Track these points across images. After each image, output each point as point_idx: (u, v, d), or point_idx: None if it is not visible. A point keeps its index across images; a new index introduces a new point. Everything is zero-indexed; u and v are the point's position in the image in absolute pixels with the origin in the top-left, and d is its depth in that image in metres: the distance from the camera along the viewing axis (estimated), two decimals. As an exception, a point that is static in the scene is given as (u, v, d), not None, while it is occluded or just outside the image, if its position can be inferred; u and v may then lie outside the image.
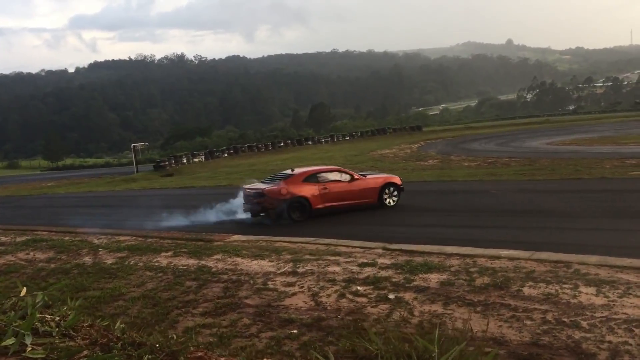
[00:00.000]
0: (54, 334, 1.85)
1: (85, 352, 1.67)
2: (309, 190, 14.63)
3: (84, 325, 1.97)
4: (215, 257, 9.97)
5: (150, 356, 1.81)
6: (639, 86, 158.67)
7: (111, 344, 1.71)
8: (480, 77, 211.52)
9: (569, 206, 12.84)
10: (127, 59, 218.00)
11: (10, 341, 1.66)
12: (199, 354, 2.16)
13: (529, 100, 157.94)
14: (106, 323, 2.05)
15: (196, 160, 54.97)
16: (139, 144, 55.25)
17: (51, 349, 1.74)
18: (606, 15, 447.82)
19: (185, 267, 9.45)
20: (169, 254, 10.66)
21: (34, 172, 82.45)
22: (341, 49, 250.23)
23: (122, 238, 12.87)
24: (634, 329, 5.23)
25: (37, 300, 2.11)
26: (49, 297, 2.24)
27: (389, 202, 15.34)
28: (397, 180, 15.81)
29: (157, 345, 1.89)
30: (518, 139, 46.52)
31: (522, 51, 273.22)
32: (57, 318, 1.97)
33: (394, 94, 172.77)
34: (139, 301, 7.80)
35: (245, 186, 15.82)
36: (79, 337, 1.80)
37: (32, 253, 12.26)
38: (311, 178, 15.05)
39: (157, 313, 7.28)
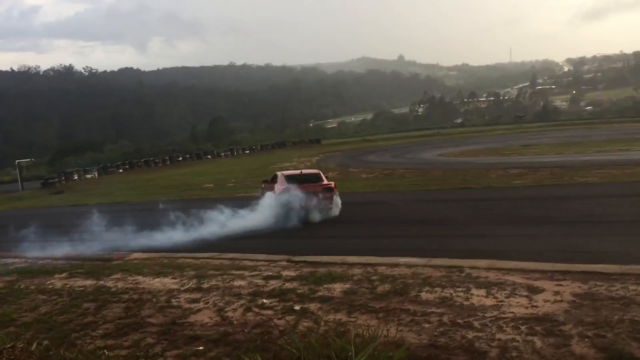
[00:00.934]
0: None
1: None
2: None
3: (6, 347, 1.92)
4: (114, 276, 9.63)
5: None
6: (519, 100, 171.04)
7: (39, 363, 1.69)
8: (375, 91, 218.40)
9: (460, 214, 13.65)
10: (9, 70, 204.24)
11: None
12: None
13: (420, 113, 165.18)
14: (22, 345, 2.00)
15: (88, 176, 52.48)
16: (23, 160, 51.82)
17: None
18: (488, 34, 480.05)
19: (82, 289, 9.07)
20: (64, 275, 10.17)
21: None
22: (239, 62, 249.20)
23: (10, 260, 12.09)
24: (520, 327, 5.69)
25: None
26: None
27: None
28: None
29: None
30: (412, 151, 48.61)
31: (413, 67, 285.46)
32: None
33: (293, 107, 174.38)
34: (33, 326, 7.39)
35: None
36: (4, 358, 1.74)
37: None
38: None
39: (53, 337, 6.92)
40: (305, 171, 17.11)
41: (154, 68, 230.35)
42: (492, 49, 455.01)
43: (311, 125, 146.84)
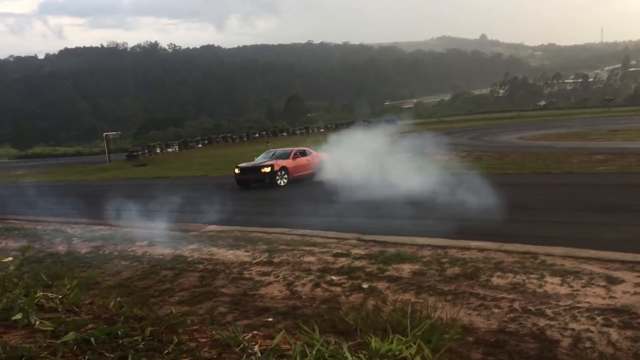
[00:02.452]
0: (59, 309, 1.95)
1: (90, 325, 1.76)
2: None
3: (85, 302, 2.08)
4: (191, 246, 10.03)
5: (151, 328, 1.92)
6: (609, 83, 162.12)
7: (114, 317, 1.82)
8: (455, 72, 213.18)
9: (537, 199, 13.19)
10: (99, 46, 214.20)
11: (18, 316, 1.75)
12: (195, 327, 2.30)
13: (501, 95, 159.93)
14: (103, 301, 2.17)
15: (170, 150, 54.52)
16: (111, 133, 54.48)
17: (58, 322, 1.83)
18: (578, 12, 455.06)
19: (161, 257, 9.50)
20: (144, 243, 10.69)
21: (1, 160, 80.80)
22: (316, 41, 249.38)
23: (96, 227, 12.83)
24: (596, 317, 5.48)
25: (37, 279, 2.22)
26: (46, 275, 2.35)
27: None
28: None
29: (157, 319, 2.00)
30: (490, 133, 47.22)
31: (495, 46, 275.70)
32: (60, 296, 2.07)
33: (369, 86, 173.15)
34: (115, 290, 7.83)
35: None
36: (83, 313, 1.90)
37: (4, 242, 12.15)
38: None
39: (133, 301, 7.34)
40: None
41: (234, 46, 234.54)
42: (581, 29, 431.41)
43: (386, 105, 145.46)
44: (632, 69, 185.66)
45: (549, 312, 5.73)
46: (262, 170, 20.47)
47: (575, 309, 5.75)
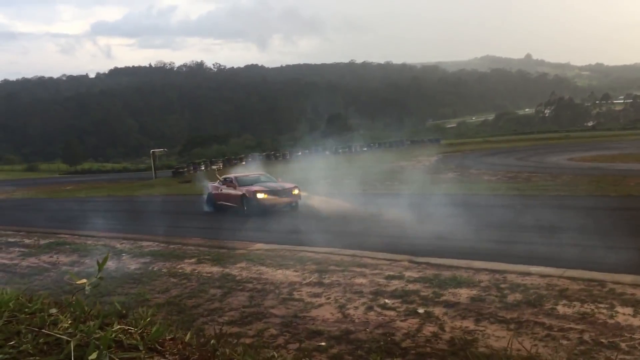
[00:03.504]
0: (140, 347, 1.79)
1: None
2: None
3: (167, 338, 1.92)
4: (239, 265, 9.93)
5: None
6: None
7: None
8: (498, 91, 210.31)
9: (596, 223, 12.60)
10: (147, 65, 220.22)
11: (94, 355, 1.59)
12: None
13: (547, 115, 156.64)
14: (189, 337, 1.99)
15: (214, 167, 55.14)
16: (157, 150, 55.44)
17: (141, 364, 1.69)
18: (626, 32, 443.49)
19: (209, 275, 9.43)
20: (193, 260, 10.65)
21: (52, 175, 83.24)
22: (359, 60, 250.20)
23: (145, 243, 12.88)
24: (677, 353, 5.09)
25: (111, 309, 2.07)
26: (120, 304, 2.20)
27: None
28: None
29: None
30: (537, 154, 46.03)
31: (541, 66, 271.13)
32: (139, 330, 1.92)
33: (411, 106, 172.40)
34: (164, 308, 7.77)
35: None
36: (167, 352, 1.74)
37: (55, 256, 12.31)
38: None
39: (183, 320, 7.24)
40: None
41: (277, 65, 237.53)
42: (630, 48, 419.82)
43: (429, 124, 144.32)
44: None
45: (623, 345, 5.36)
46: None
47: (653, 343, 5.35)
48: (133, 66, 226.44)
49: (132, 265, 10.71)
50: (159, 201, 26.24)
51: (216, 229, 14.87)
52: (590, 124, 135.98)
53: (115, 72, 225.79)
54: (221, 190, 19.67)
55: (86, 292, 2.18)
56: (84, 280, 2.22)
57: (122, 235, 14.50)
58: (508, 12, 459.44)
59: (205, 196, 20.72)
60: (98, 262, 2.27)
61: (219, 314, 7.42)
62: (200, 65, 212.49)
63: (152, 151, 53.28)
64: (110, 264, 10.96)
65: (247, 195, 18.16)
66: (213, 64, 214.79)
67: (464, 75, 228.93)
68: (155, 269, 10.21)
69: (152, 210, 20.20)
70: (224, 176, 20.85)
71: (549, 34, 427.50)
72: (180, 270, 9.89)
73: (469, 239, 11.07)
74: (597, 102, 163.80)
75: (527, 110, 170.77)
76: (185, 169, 51.12)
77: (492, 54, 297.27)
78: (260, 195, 17.95)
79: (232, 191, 19.07)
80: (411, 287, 7.79)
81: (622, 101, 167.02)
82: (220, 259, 10.53)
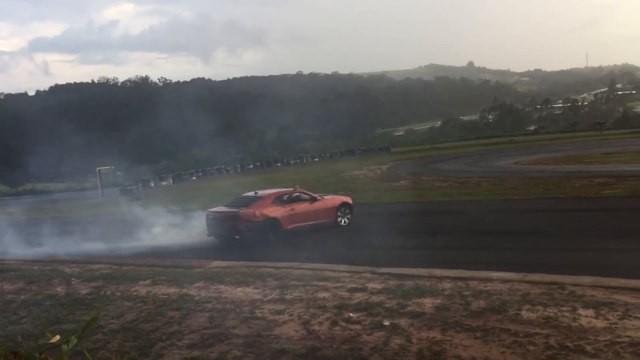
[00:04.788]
0: None
1: None
2: (278, 212, 14.98)
3: None
4: (197, 284, 9.61)
5: None
6: (596, 107, 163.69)
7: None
8: (444, 99, 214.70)
9: (549, 226, 12.88)
10: (90, 81, 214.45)
11: None
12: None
13: (491, 120, 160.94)
14: None
15: (164, 183, 54.10)
16: (104, 168, 53.96)
17: None
18: (562, 38, 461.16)
19: (166, 296, 9.09)
20: (147, 282, 10.25)
21: (-8, 197, 79.76)
22: (306, 71, 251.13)
23: (95, 266, 12.35)
24: (642, 352, 5.15)
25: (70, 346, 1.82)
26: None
27: (343, 222, 16.11)
28: (349, 200, 16.80)
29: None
30: (485, 159, 47.14)
31: (482, 73, 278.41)
32: None
33: (360, 115, 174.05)
34: (119, 334, 7.42)
35: (210, 210, 15.91)
36: None
37: (-1, 284, 11.67)
38: (278, 200, 15.52)
39: (140, 346, 6.93)
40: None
41: (224, 78, 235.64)
42: (566, 54, 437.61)
43: (378, 132, 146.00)
44: (619, 93, 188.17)
45: (588, 348, 5.40)
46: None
47: (617, 344, 5.42)
48: (75, 82, 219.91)
49: (83, 290, 10.23)
50: (107, 221, 25.41)
51: (171, 248, 14.48)
52: (532, 128, 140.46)
53: (56, 89, 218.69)
54: (291, 209, 15.36)
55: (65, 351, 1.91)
56: (57, 337, 1.94)
57: (71, 258, 13.89)
58: (449, 21, 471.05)
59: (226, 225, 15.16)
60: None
61: (178, 337, 7.13)
62: (145, 80, 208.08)
63: (98, 169, 51.82)
64: (60, 290, 10.46)
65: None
66: (158, 79, 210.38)
67: (410, 83, 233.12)
68: (107, 293, 9.78)
69: (102, 231, 19.50)
70: (282, 191, 16.46)
71: (489, 42, 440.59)
72: (134, 293, 9.49)
73: (431, 246, 11.11)
74: (537, 106, 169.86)
75: (472, 116, 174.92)
76: (134, 186, 49.91)
77: (436, 63, 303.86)
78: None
79: (317, 205, 15.87)
80: (375, 299, 7.71)
81: (560, 105, 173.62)
82: (176, 279, 10.17)
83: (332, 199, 16.58)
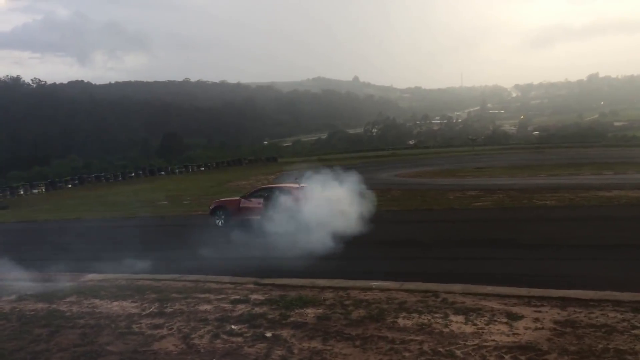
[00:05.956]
0: None
1: None
2: None
3: None
4: (68, 299, 9.04)
5: None
6: (469, 124, 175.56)
7: None
8: (330, 111, 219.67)
9: (425, 236, 13.52)
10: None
11: None
12: None
13: (374, 134, 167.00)
14: None
15: (35, 191, 50.53)
16: (-34, 174, 49.41)
17: None
18: (441, 58, 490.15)
19: (33, 312, 8.46)
20: (12, 297, 9.48)
21: None
22: (193, 79, 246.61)
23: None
24: (504, 356, 5.53)
25: None
26: None
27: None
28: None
29: None
30: (368, 171, 48.61)
31: (367, 88, 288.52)
32: None
33: (247, 125, 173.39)
34: (-22, 355, 6.79)
35: None
36: None
37: None
38: None
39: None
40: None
41: (105, 82, 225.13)
42: (444, 74, 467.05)
43: (265, 143, 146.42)
44: (489, 112, 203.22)
45: (458, 353, 5.71)
46: None
47: (483, 348, 5.78)
48: None
49: None
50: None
51: (44, 260, 13.50)
52: (412, 142, 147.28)
53: None
54: None
55: None
56: None
57: None
58: (337, 36, 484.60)
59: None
60: None
61: (45, 356, 6.64)
62: (16, 80, 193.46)
63: (-40, 175, 47.34)
64: None
65: None
66: (32, 79, 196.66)
67: (297, 95, 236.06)
68: (-36, 311, 8.91)
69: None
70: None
71: (374, 58, 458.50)
72: (-4, 310, 8.74)
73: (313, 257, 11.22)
74: (417, 122, 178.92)
75: (357, 129, 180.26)
76: (1, 194, 46.16)
77: (323, 76, 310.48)
78: None
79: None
80: (258, 310, 7.66)
81: (438, 121, 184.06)
82: (46, 293, 9.50)
83: None
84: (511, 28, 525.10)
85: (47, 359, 6.55)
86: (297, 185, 16.92)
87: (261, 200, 17.44)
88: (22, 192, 48.94)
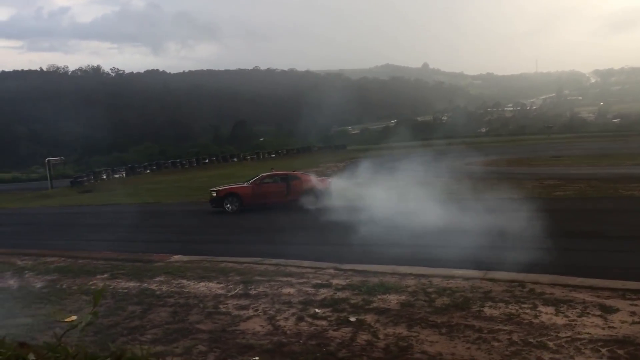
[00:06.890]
0: None
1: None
2: None
3: None
4: (158, 279, 9.46)
5: None
6: (544, 111, 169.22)
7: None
8: (399, 99, 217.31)
9: (507, 225, 13.17)
10: (38, 69, 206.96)
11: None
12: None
13: (444, 122, 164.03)
14: None
15: (117, 176, 52.84)
16: (54, 159, 52.08)
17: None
18: (514, 44, 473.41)
19: (125, 291, 8.90)
20: (106, 276, 10.02)
21: None
22: (263, 67, 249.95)
23: (49, 259, 11.98)
24: (600, 349, 5.35)
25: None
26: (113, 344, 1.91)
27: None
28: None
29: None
30: (438, 160, 47.87)
31: (437, 75, 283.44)
32: None
33: (316, 112, 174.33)
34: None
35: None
36: None
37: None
38: None
39: (100, 341, 6.75)
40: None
41: (179, 71, 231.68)
42: (517, 59, 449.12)
43: (333, 131, 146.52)
44: (566, 98, 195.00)
45: (551, 344, 5.57)
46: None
47: (577, 340, 5.61)
48: (22, 70, 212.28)
49: (38, 283, 9.91)
50: (58, 213, 24.68)
51: (128, 242, 14.16)
52: (483, 130, 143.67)
53: (2, 76, 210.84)
54: None
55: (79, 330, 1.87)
56: (73, 318, 1.90)
57: (23, 251, 13.42)
58: (406, 22, 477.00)
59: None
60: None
61: (140, 332, 6.99)
62: (96, 70, 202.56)
63: (48, 160, 50.08)
64: (12, 282, 10.11)
65: None
66: (111, 69, 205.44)
67: (366, 82, 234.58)
68: (64, 287, 9.50)
69: (53, 222, 18.94)
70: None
71: (444, 44, 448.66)
72: (92, 287, 9.26)
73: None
74: (488, 109, 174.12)
75: (425, 117, 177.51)
76: (86, 178, 48.54)
77: (392, 63, 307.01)
78: None
79: None
80: (340, 295, 7.75)
81: (511, 109, 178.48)
82: (136, 273, 9.97)
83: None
84: (590, 10, 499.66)
85: (142, 335, 6.89)
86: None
87: (280, 184, 19.89)
88: (104, 177, 51.26)
